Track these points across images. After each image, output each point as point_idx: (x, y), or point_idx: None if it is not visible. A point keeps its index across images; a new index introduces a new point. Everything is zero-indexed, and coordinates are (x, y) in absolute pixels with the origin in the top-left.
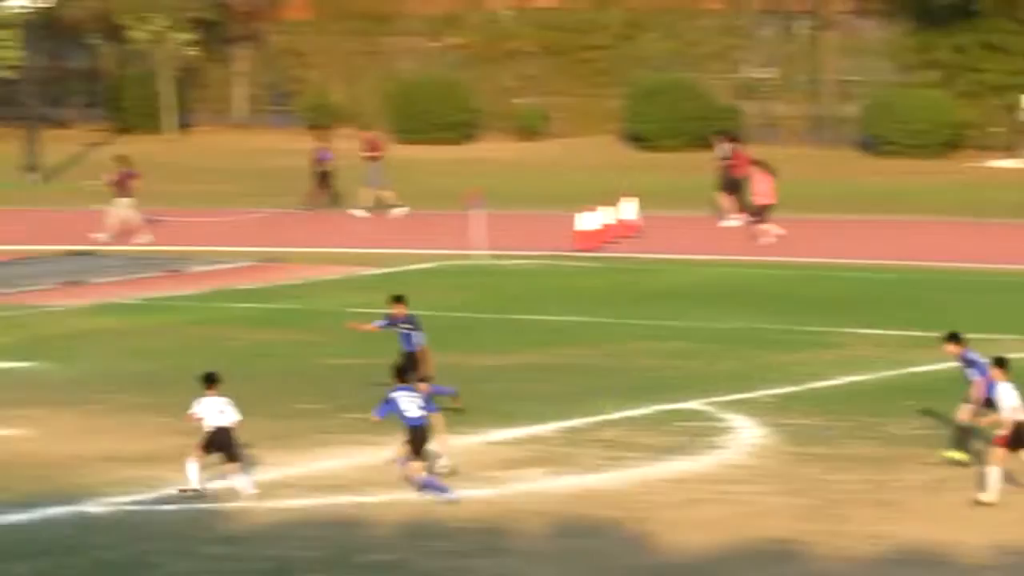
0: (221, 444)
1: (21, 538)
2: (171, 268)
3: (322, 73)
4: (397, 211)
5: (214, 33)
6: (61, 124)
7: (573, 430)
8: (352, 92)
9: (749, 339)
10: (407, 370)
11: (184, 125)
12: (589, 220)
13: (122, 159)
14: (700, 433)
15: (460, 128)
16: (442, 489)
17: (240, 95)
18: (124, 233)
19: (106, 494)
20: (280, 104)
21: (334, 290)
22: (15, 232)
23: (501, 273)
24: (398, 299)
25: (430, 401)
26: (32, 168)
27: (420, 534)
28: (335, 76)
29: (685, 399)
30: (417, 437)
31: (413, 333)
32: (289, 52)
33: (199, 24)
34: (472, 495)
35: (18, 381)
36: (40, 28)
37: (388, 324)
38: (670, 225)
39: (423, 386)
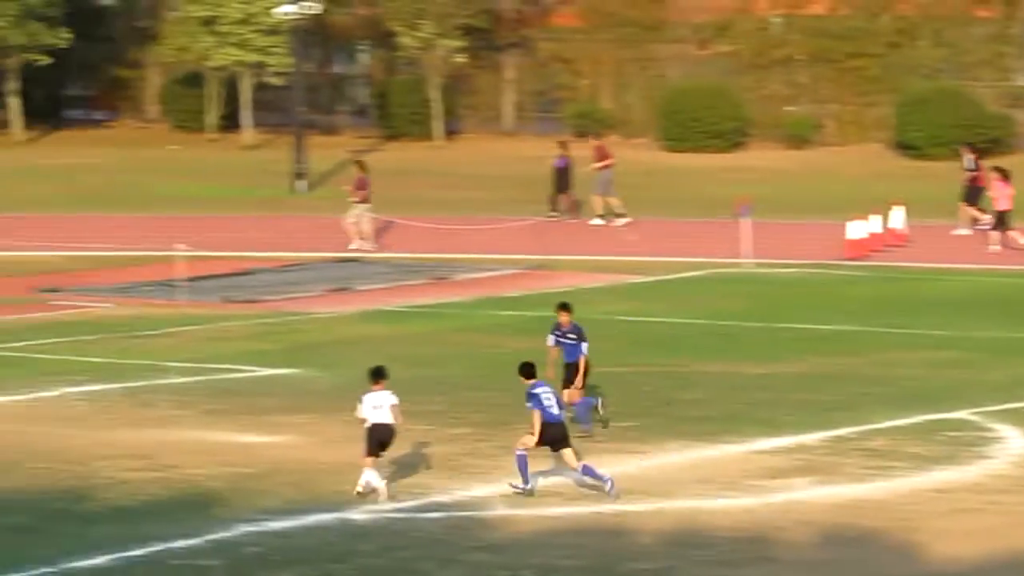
0: (384, 441)
1: (286, 545)
2: (437, 275)
3: (590, 80)
4: (620, 221)
5: (483, 40)
6: (329, 131)
7: (839, 439)
8: (620, 99)
9: (1017, 349)
10: (533, 368)
11: (451, 132)
12: (859, 229)
13: (360, 165)
14: (967, 443)
15: (729, 136)
16: (602, 477)
17: (507, 102)
18: (355, 237)
19: (371, 501)
20: (547, 111)
21: (601, 298)
22: (282, 239)
23: (768, 281)
24: (564, 307)
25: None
26: (300, 175)
27: (684, 543)
28: (603, 83)
29: (952, 409)
30: (551, 434)
31: (579, 344)
32: (557, 59)
33: (468, 31)
34: (736, 504)
35: (283, 388)
36: (309, 34)
37: (556, 336)
38: (938, 234)
39: (576, 394)
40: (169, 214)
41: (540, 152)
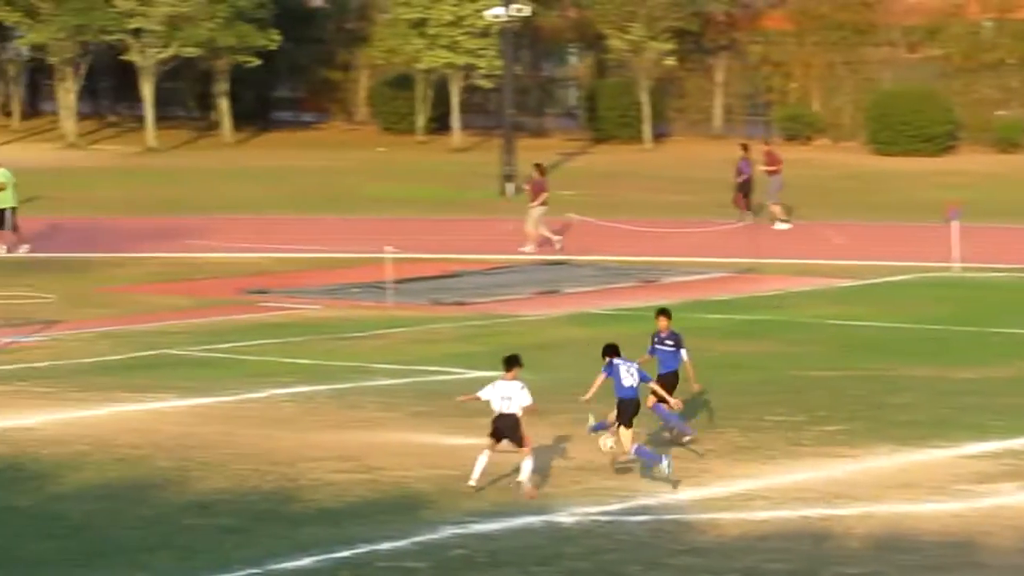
0: (503, 431)
1: (492, 547)
2: (645, 278)
3: (800, 83)
4: (781, 226)
5: (692, 43)
6: (538, 134)
7: None
8: (829, 103)
9: None
10: (614, 350)
11: (660, 135)
12: None
13: (539, 168)
14: None
15: (938, 140)
16: (655, 457)
17: (716, 105)
18: (542, 243)
19: (577, 504)
20: (756, 114)
21: (809, 301)
22: (491, 241)
23: (977, 286)
24: (663, 312)
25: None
26: (509, 178)
27: (891, 547)
28: (812, 86)
29: None
30: (624, 407)
31: (678, 351)
32: (767, 62)
33: (678, 33)
34: (944, 508)
35: None
36: (518, 37)
37: (655, 344)
38: None
39: (677, 403)
40: (378, 216)
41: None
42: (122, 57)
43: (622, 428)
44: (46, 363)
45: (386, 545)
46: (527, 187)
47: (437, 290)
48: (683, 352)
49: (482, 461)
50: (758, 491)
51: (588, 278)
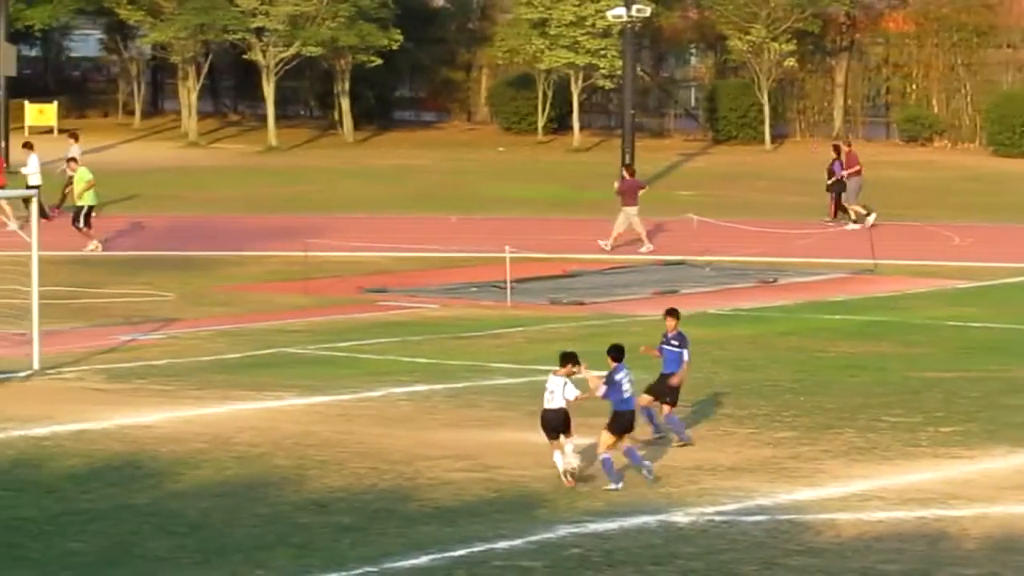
0: (550, 426)
1: (608, 547)
2: (763, 279)
3: (920, 85)
4: (852, 226)
5: (813, 44)
6: (658, 134)
7: None
8: (949, 105)
9: None
10: (622, 351)
11: (780, 136)
12: None
13: (628, 168)
14: None
15: None
16: (613, 476)
17: (836, 106)
18: (632, 242)
19: (693, 504)
20: (876, 116)
21: (926, 303)
22: (615, 244)
23: None
24: (672, 312)
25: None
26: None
27: (1007, 548)
28: (933, 88)
29: None
30: (622, 420)
31: (681, 351)
32: (887, 64)
33: (799, 35)
34: None
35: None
36: (639, 37)
37: (663, 342)
38: None
39: (667, 408)
40: (497, 216)
41: (869, 157)
42: (244, 56)
43: (606, 432)
44: (164, 361)
45: (502, 544)
46: (616, 185)
47: (555, 290)
48: (685, 352)
49: (559, 460)
50: (874, 492)
51: (707, 278)
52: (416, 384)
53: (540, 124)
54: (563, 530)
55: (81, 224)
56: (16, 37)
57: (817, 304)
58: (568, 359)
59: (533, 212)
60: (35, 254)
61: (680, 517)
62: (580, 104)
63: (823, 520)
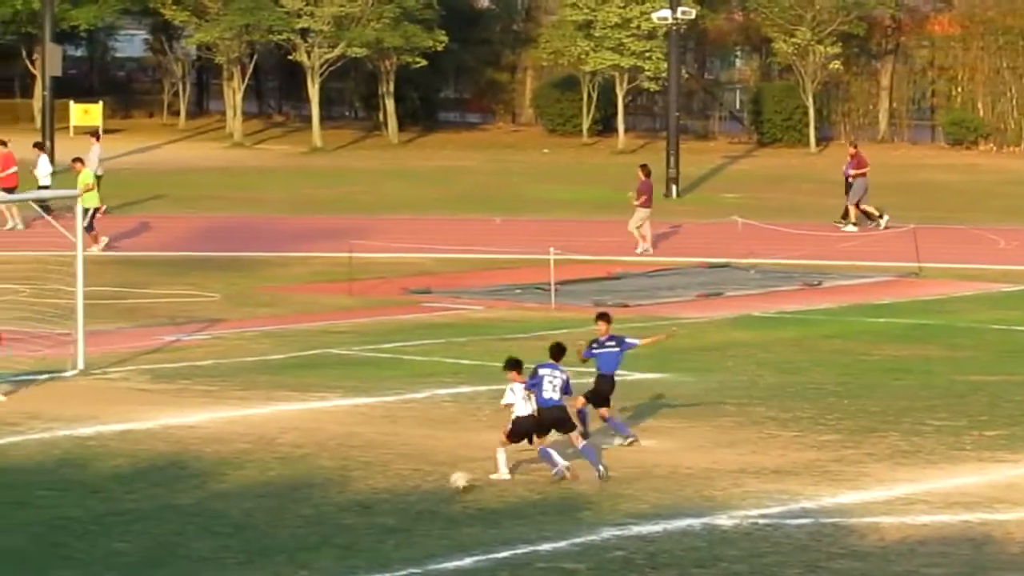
0: (526, 431)
1: (652, 550)
2: (808, 282)
3: (965, 88)
4: (850, 228)
5: (858, 47)
6: (703, 136)
7: None
8: (995, 108)
9: None
10: (560, 353)
11: (824, 138)
12: None
13: (644, 169)
14: None
15: None
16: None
17: (881, 109)
18: (646, 240)
19: (737, 507)
20: (922, 119)
21: (971, 306)
22: (655, 243)
23: None
24: (603, 317)
25: (568, 390)
26: (673, 180)
27: None
28: (978, 91)
29: None
30: (542, 418)
31: (622, 351)
32: (933, 67)
33: (844, 38)
34: None
35: (651, 392)
36: (685, 40)
37: (593, 348)
38: None
39: (605, 411)
40: (541, 218)
41: (912, 160)
42: (289, 57)
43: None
44: (209, 361)
45: (545, 546)
46: (631, 194)
47: (600, 292)
48: (633, 340)
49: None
50: (918, 495)
51: (751, 281)
52: (460, 386)
53: (585, 126)
54: (606, 532)
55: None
56: (62, 37)
57: (862, 307)
58: (517, 365)
59: (577, 214)
60: (80, 254)
61: (724, 520)
62: (625, 106)
63: (867, 524)
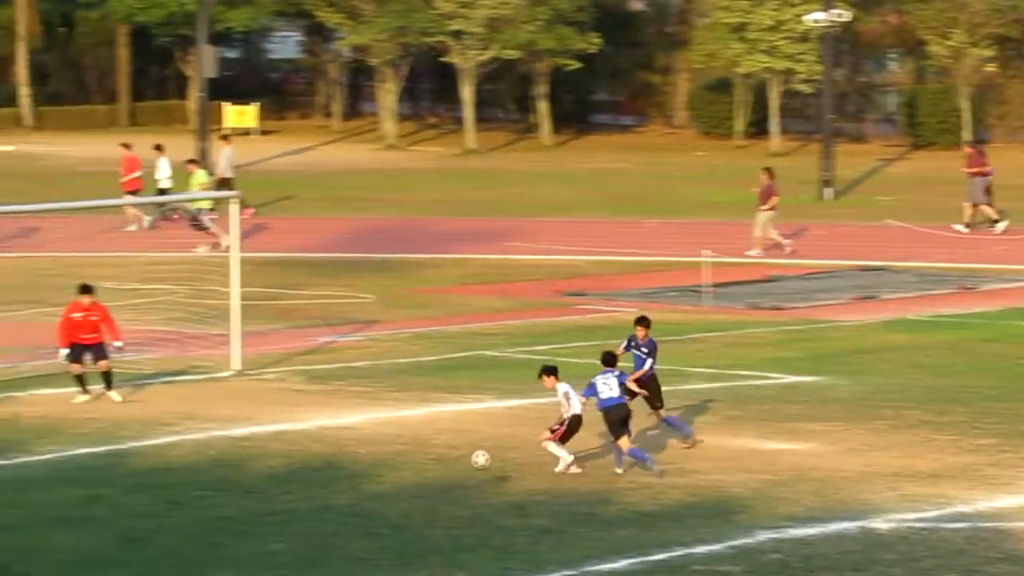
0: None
1: (808, 553)
2: (964, 285)
3: None
4: (961, 227)
5: (1014, 50)
6: (857, 139)
7: None
8: None
9: None
10: (614, 359)
11: (978, 141)
12: None
13: (768, 172)
14: None
15: None
16: (643, 458)
17: None
18: (770, 247)
19: (892, 511)
20: None
21: None
22: (810, 246)
23: None
24: (641, 321)
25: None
26: (827, 183)
27: None
28: None
29: None
30: (609, 418)
31: (647, 359)
32: None
33: (999, 40)
34: None
35: (806, 395)
36: (838, 42)
37: (631, 346)
38: None
39: (662, 414)
40: (696, 220)
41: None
42: (442, 59)
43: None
44: (363, 363)
45: (701, 549)
46: (755, 190)
47: (754, 295)
48: (649, 362)
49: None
50: None
51: (907, 284)
52: None
53: (738, 128)
54: (762, 535)
55: (200, 225)
56: (216, 39)
57: (1018, 311)
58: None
59: (732, 216)
60: (235, 255)
61: (880, 523)
62: (779, 108)
63: None
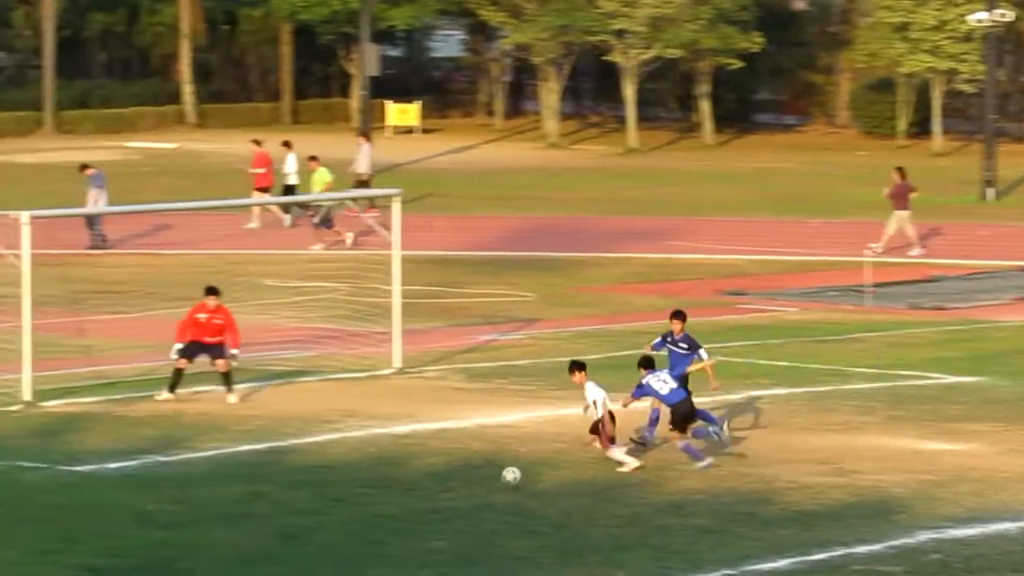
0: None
1: (968, 553)
2: None
3: None
4: None
5: None
6: (1020, 139)
7: None
8: None
9: None
10: (652, 362)
11: None
12: None
13: (900, 172)
14: None
15: None
16: (698, 455)
17: None
18: (901, 246)
19: None
20: None
21: None
22: (972, 246)
23: None
24: (677, 315)
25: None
26: (989, 183)
27: None
28: None
29: None
30: (676, 413)
31: (697, 350)
32: None
33: None
34: None
35: (967, 396)
36: (1001, 42)
37: (667, 343)
38: None
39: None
40: (857, 219)
41: None
42: (605, 58)
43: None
44: (525, 361)
45: (861, 549)
46: (886, 191)
47: (916, 295)
48: (701, 351)
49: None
50: None
51: None
52: (776, 387)
53: (901, 128)
54: (923, 535)
55: (322, 223)
56: (379, 37)
57: None
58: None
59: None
60: (396, 253)
61: None
62: (941, 108)
63: None
